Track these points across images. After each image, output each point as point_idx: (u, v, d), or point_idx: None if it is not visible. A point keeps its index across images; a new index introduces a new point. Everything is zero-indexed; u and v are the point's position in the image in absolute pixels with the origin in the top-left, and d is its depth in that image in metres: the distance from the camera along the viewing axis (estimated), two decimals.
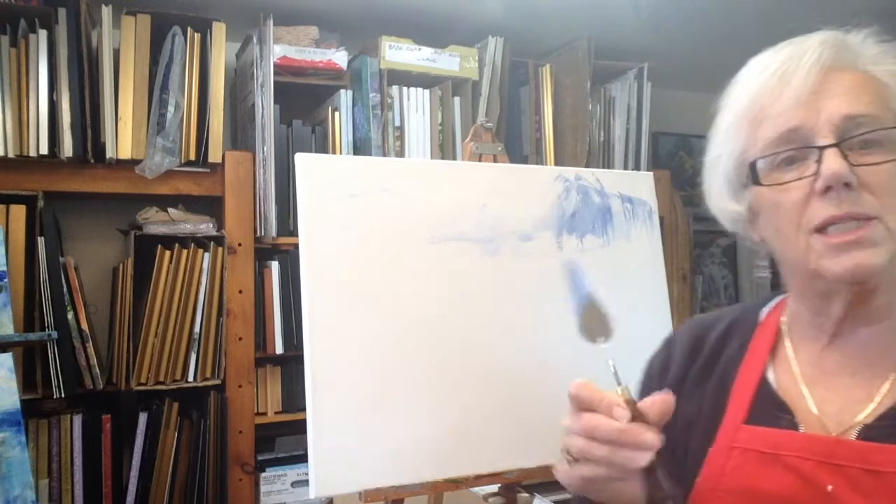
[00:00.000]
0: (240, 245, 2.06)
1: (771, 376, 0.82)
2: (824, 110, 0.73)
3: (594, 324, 0.78)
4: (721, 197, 0.84)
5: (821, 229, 0.73)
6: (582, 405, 0.73)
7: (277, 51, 2.13)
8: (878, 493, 0.69)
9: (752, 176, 0.78)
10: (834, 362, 0.79)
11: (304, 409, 1.17)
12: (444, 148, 2.35)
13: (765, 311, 0.88)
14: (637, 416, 0.68)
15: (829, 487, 0.71)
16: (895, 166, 0.72)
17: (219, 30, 2.03)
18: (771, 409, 0.79)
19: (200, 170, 2.05)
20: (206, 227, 2.05)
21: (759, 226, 0.82)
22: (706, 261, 3.42)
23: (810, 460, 0.73)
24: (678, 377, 0.89)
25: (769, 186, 0.76)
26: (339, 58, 2.23)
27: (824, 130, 0.73)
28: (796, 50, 0.78)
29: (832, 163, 0.71)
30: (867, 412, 0.74)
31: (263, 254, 2.16)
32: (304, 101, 2.33)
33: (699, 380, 0.87)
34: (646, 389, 0.88)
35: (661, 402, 0.70)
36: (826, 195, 0.72)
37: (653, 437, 0.67)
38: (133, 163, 1.94)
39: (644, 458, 0.67)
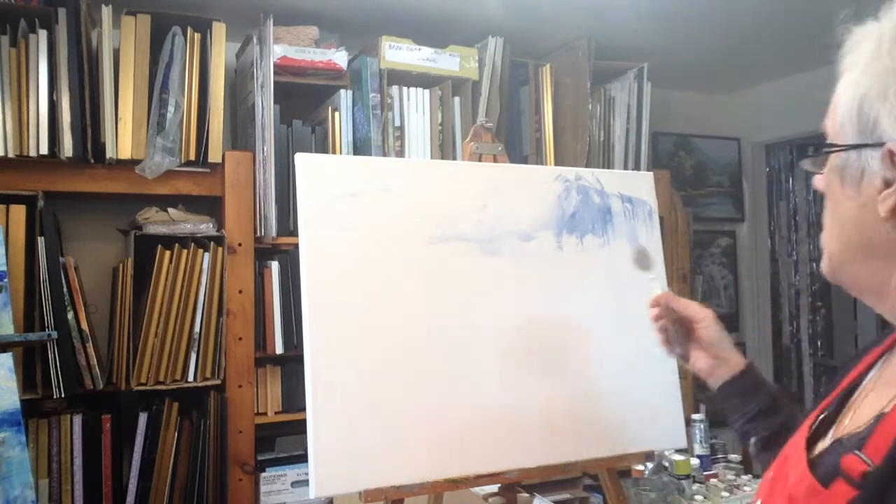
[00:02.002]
0: (240, 245, 2.06)
1: (869, 375, 0.78)
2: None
3: (643, 260, 1.31)
4: None
5: None
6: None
7: (277, 51, 2.13)
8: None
9: None
10: (891, 372, 0.75)
11: (304, 409, 1.17)
12: (444, 148, 2.35)
13: None
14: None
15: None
16: (828, 178, 0.72)
17: (219, 30, 2.03)
18: (838, 408, 0.77)
19: (200, 170, 2.05)
20: (206, 227, 2.05)
21: None
22: (706, 261, 3.42)
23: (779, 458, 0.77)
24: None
25: None
26: (339, 58, 2.23)
27: None
28: None
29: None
30: (855, 424, 0.71)
31: (263, 254, 2.16)
32: (304, 101, 2.33)
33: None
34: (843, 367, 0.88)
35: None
36: None
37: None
38: (133, 163, 1.94)
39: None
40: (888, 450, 0.61)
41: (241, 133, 2.33)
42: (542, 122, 2.49)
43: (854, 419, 0.72)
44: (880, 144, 0.65)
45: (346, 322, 1.20)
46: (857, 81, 0.67)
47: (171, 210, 2.06)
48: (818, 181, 0.74)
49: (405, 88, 2.30)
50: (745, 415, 1.04)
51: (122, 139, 1.93)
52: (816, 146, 0.73)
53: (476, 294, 1.31)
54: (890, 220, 0.65)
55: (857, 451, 0.64)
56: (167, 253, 1.96)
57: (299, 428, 1.74)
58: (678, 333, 1.12)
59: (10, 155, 1.81)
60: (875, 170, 0.66)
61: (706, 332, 1.08)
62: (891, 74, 0.64)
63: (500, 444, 1.27)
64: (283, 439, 2.25)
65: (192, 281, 1.99)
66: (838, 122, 0.70)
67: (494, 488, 1.48)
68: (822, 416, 0.78)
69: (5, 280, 1.67)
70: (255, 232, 2.08)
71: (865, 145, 0.67)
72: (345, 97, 2.24)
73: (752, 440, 1.03)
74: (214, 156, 2.01)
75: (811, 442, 0.74)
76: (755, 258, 3.56)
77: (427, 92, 2.33)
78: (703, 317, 1.09)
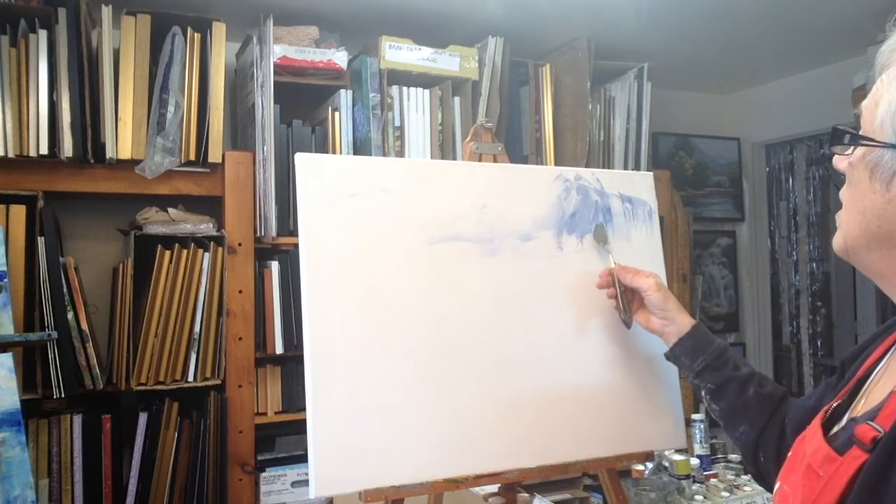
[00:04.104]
0: (240, 245, 2.06)
1: (878, 367, 0.81)
2: None
3: (600, 235, 1.41)
4: None
5: None
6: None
7: (277, 51, 2.13)
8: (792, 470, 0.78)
9: None
10: None
11: (304, 409, 1.17)
12: (444, 148, 2.35)
13: None
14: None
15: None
16: (856, 166, 0.74)
17: (219, 30, 2.03)
18: (851, 398, 0.80)
19: (200, 170, 2.05)
20: (206, 227, 2.05)
21: None
22: (706, 261, 3.42)
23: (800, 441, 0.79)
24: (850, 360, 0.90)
25: None
26: (339, 58, 2.23)
27: None
28: None
29: None
30: (868, 406, 0.74)
31: (263, 254, 2.16)
32: (304, 101, 2.33)
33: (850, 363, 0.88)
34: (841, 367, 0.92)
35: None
36: None
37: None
38: (133, 163, 1.94)
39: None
40: None
41: (241, 133, 2.33)
42: (542, 122, 2.49)
43: (867, 403, 0.75)
44: None
45: (345, 322, 1.20)
46: None
47: (171, 210, 2.06)
48: (840, 161, 0.76)
49: (405, 88, 2.30)
50: (692, 370, 1.17)
51: (122, 139, 1.93)
52: (853, 136, 0.75)
53: (476, 294, 1.31)
54: None
55: (869, 422, 0.66)
56: (167, 253, 1.96)
57: (299, 428, 1.75)
58: (628, 301, 1.31)
59: (10, 155, 1.81)
60: None
61: (652, 299, 1.24)
62: None
63: (500, 444, 1.27)
64: (283, 439, 2.25)
65: (192, 281, 1.99)
66: (878, 117, 0.71)
67: (494, 488, 1.48)
68: (837, 404, 0.80)
69: (5, 280, 1.67)
70: (255, 232, 2.08)
71: None
72: (345, 97, 2.24)
73: (703, 392, 1.17)
74: (214, 156, 2.01)
75: (827, 428, 0.77)
76: (755, 258, 3.56)
77: (427, 92, 2.33)
78: (647, 286, 1.25)
